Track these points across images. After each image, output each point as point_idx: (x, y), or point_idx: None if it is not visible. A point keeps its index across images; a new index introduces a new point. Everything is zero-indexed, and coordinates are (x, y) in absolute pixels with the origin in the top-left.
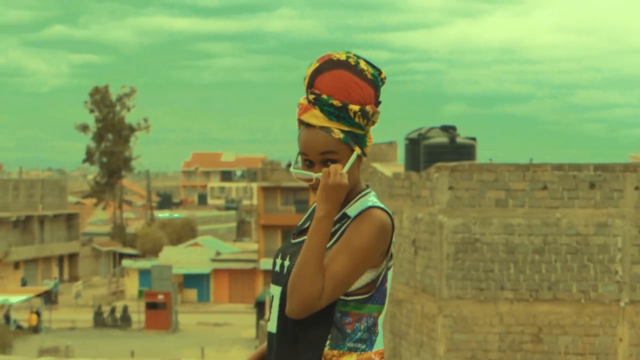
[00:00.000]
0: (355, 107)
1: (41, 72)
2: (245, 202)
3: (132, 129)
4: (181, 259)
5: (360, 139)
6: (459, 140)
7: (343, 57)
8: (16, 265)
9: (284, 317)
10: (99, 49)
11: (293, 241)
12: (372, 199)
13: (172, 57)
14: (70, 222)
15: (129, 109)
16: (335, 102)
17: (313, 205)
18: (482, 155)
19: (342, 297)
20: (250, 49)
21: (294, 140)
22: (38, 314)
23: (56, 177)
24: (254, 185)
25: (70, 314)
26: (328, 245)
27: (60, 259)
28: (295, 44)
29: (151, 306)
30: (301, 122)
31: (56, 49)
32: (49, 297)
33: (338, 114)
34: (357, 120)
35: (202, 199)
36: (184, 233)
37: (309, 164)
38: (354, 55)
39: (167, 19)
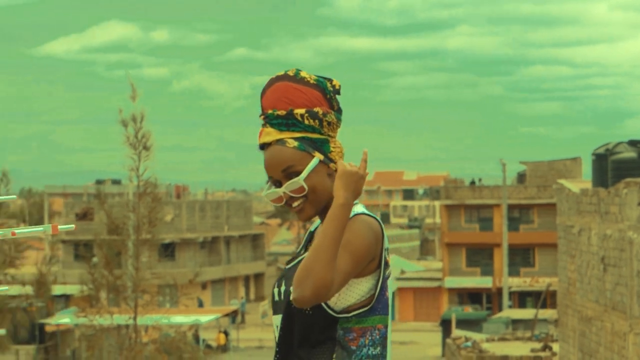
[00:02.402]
0: (300, 110)
1: (224, 94)
2: (428, 220)
3: None
4: None
5: (319, 144)
6: None
7: (282, 73)
8: (204, 285)
9: (288, 344)
10: (280, 69)
11: (287, 267)
12: (357, 208)
13: (352, 76)
14: (255, 242)
15: None
16: (280, 112)
17: (309, 231)
18: None
19: (344, 314)
20: (430, 67)
21: (477, 158)
22: (226, 333)
23: (241, 198)
24: (437, 203)
25: (257, 333)
26: None
27: (247, 278)
28: (476, 61)
29: None
30: (260, 148)
31: (238, 71)
32: (237, 317)
33: (286, 122)
34: (306, 122)
35: (385, 218)
36: None
37: (277, 185)
38: (296, 69)
39: (346, 39)
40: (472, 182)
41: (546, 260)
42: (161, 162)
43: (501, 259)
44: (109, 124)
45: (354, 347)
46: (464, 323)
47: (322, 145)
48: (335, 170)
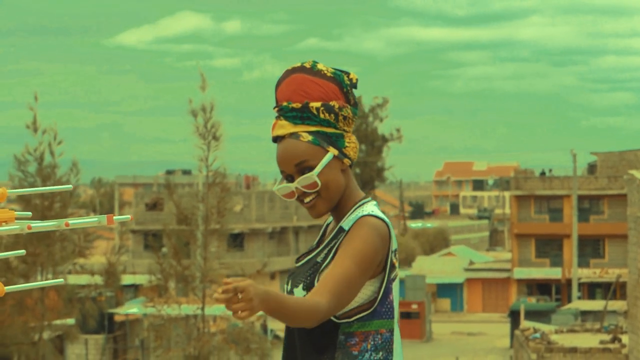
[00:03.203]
0: (316, 104)
1: None
2: (498, 211)
3: (384, 140)
4: (434, 268)
5: (334, 139)
6: None
7: (298, 65)
8: (272, 276)
9: (292, 348)
10: (351, 60)
11: (296, 264)
12: (368, 208)
13: (423, 66)
14: None
15: (381, 120)
16: (295, 104)
17: (325, 223)
18: None
19: (346, 319)
20: (501, 57)
21: (548, 149)
22: None
23: None
24: (507, 194)
25: None
26: (326, 262)
27: None
28: (548, 51)
29: (405, 316)
30: (273, 140)
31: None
32: None
33: (301, 115)
34: (322, 116)
35: (454, 209)
36: (436, 243)
37: (290, 180)
38: (313, 61)
39: (418, 29)
40: (542, 173)
41: (616, 252)
42: (231, 152)
43: (571, 250)
44: (180, 115)
45: (355, 352)
46: (532, 314)
47: (337, 140)
48: (350, 166)
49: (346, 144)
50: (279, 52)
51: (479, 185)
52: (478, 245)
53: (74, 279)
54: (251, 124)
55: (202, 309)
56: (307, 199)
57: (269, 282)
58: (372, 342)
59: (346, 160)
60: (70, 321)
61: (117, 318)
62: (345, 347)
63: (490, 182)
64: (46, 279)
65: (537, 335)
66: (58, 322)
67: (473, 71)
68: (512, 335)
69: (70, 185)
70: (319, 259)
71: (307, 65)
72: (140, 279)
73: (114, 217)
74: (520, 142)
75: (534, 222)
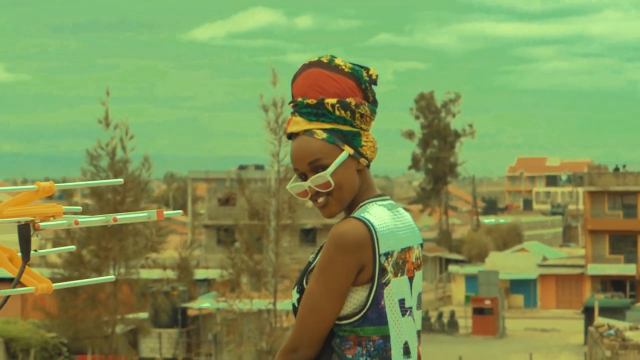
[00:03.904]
0: (332, 100)
1: None
2: (571, 207)
3: (457, 135)
4: (507, 264)
5: (349, 137)
6: None
7: (315, 59)
8: None
9: None
10: (423, 55)
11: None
12: (367, 209)
13: (495, 62)
14: None
15: (454, 115)
16: (310, 100)
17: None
18: None
19: (337, 322)
20: (574, 52)
21: (622, 144)
22: None
23: (382, 184)
24: (580, 189)
25: None
26: (314, 264)
27: None
28: (621, 46)
29: (478, 311)
30: (288, 137)
31: (381, 57)
32: None
33: (316, 111)
34: (337, 113)
35: (527, 204)
36: (509, 238)
37: (303, 178)
38: (331, 55)
39: (490, 24)
40: (616, 169)
41: None
42: None
43: None
44: (252, 110)
45: (349, 356)
46: (607, 311)
47: (352, 139)
48: (367, 166)
49: (363, 143)
50: (350, 48)
51: (552, 180)
52: (551, 241)
53: (146, 274)
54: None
55: (274, 303)
56: (319, 199)
57: None
58: (365, 348)
59: (362, 160)
60: (143, 315)
61: (191, 312)
62: (340, 351)
63: (564, 177)
64: (118, 274)
65: (612, 332)
66: (131, 316)
67: (545, 66)
68: (586, 332)
69: (121, 179)
70: (310, 258)
71: (325, 60)
72: (213, 274)
73: (165, 212)
74: (594, 137)
75: (608, 218)
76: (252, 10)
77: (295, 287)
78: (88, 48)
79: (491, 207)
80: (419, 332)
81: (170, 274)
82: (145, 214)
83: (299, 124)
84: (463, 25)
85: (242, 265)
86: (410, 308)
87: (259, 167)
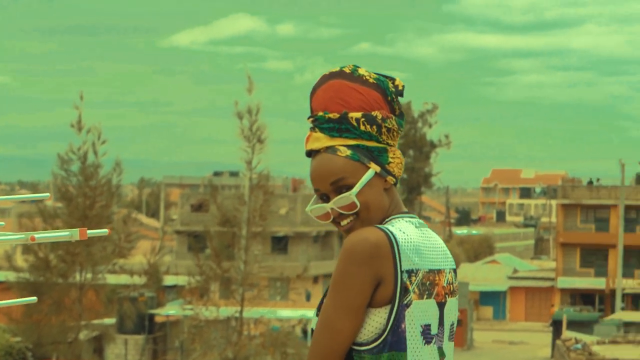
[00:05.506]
0: (356, 114)
1: None
2: (544, 220)
3: (433, 145)
4: (478, 275)
5: (376, 154)
6: None
7: (337, 69)
8: (315, 279)
9: None
10: (403, 65)
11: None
12: (391, 223)
13: (475, 73)
14: None
15: (430, 126)
16: (332, 115)
17: None
18: None
19: (355, 348)
20: (554, 65)
21: (596, 158)
22: None
23: None
24: (554, 202)
25: None
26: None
27: None
28: (601, 60)
29: None
30: (307, 155)
31: (361, 66)
32: None
33: (339, 127)
34: (362, 128)
35: (501, 216)
36: (481, 250)
37: (325, 199)
38: (354, 65)
39: (472, 36)
40: (590, 182)
41: None
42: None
43: (616, 260)
44: (227, 116)
45: None
46: (575, 324)
47: (379, 155)
48: (395, 184)
49: (390, 160)
50: (331, 56)
51: (526, 193)
52: (523, 254)
53: (114, 279)
54: (302, 127)
55: (241, 312)
56: (344, 222)
57: (312, 286)
58: None
59: (390, 178)
60: (109, 321)
61: (158, 319)
62: None
63: (538, 190)
64: (84, 279)
65: (579, 346)
66: (97, 322)
67: (524, 79)
68: (554, 346)
69: (47, 194)
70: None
71: (347, 70)
72: (183, 280)
73: (88, 231)
74: (569, 150)
75: (580, 232)
76: (234, 16)
77: (315, 311)
78: (67, 51)
79: (464, 218)
80: None
81: (138, 280)
82: (68, 233)
83: (320, 140)
84: (445, 36)
85: (211, 273)
86: (437, 336)
87: (234, 174)
